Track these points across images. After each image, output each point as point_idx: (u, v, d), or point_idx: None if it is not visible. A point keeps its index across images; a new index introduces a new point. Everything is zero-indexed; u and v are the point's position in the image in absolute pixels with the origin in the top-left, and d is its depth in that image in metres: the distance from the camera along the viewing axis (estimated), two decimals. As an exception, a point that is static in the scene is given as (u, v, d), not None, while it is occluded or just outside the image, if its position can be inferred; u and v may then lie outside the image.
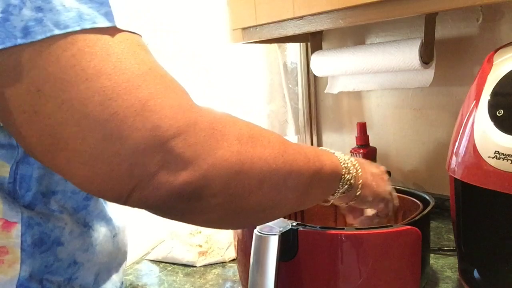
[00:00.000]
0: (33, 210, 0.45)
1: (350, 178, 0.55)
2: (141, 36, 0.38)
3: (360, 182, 0.57)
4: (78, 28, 0.34)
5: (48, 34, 0.33)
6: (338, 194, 0.55)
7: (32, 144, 0.35)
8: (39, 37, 0.33)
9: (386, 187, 0.63)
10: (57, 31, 0.33)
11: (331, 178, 0.53)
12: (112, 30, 0.35)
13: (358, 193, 0.57)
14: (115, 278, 0.55)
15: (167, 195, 0.35)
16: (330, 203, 0.58)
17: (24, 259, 0.44)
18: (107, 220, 0.52)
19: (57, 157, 0.35)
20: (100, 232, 0.51)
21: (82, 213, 0.49)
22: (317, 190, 0.51)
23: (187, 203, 0.36)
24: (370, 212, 0.65)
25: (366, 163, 0.62)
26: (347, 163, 0.56)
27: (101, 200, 0.51)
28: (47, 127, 0.34)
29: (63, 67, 0.33)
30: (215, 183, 0.37)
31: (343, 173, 0.55)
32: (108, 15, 0.35)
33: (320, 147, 0.58)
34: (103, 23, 0.35)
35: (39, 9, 0.33)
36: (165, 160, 0.34)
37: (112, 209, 0.54)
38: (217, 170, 0.37)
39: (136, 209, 0.37)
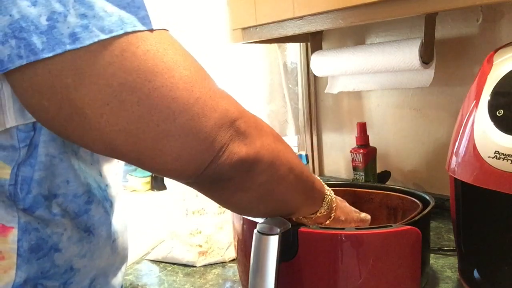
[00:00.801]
0: (33, 215, 0.44)
1: (329, 199, 0.60)
2: (169, 30, 0.41)
3: (334, 205, 0.61)
4: (121, 32, 0.36)
5: (96, 39, 0.36)
6: (319, 213, 0.59)
7: (113, 133, 0.38)
8: (87, 42, 0.35)
9: (352, 212, 0.66)
10: (103, 36, 0.36)
11: (319, 195, 0.59)
12: (153, 30, 0.39)
13: (332, 214, 0.61)
14: (113, 282, 0.55)
15: (235, 163, 0.42)
16: (308, 220, 0.60)
17: (20, 264, 0.43)
18: (108, 225, 0.52)
19: (144, 141, 0.38)
20: (100, 237, 0.51)
21: (83, 218, 0.48)
22: (312, 200, 0.58)
23: (243, 176, 0.44)
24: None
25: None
26: (326, 187, 0.61)
27: (103, 203, 0.51)
28: (135, 113, 0.37)
29: (142, 61, 0.37)
30: (264, 161, 0.45)
31: (326, 193, 0.59)
32: (145, 18, 0.38)
33: None
34: (141, 26, 0.38)
35: (83, 16, 0.36)
36: (234, 135, 0.42)
37: (113, 212, 0.53)
38: (265, 150, 0.45)
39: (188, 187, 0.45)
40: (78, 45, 0.35)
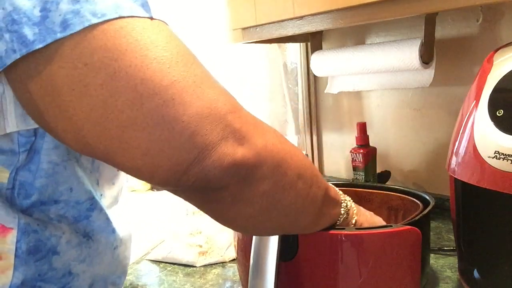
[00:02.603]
0: (31, 216, 0.44)
1: (348, 204, 0.54)
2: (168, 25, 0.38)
3: (355, 209, 0.56)
4: (116, 16, 0.34)
5: (87, 24, 0.33)
6: (341, 220, 0.54)
7: (80, 122, 0.34)
8: (78, 28, 0.33)
9: (375, 217, 0.62)
10: (94, 20, 0.33)
11: (335, 200, 0.53)
12: (150, 19, 0.35)
13: (354, 219, 0.56)
14: None
15: (228, 167, 0.35)
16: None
17: (17, 266, 0.43)
18: (110, 231, 0.51)
19: (109, 130, 0.34)
20: (100, 243, 0.50)
21: (82, 223, 0.47)
22: (327, 208, 0.51)
23: (239, 184, 0.37)
24: None
25: None
26: (341, 193, 0.55)
27: (106, 210, 0.50)
28: (98, 98, 0.33)
29: (111, 38, 0.33)
30: (267, 165, 0.37)
31: (342, 198, 0.54)
32: (145, 6, 0.36)
33: None
34: (140, 13, 0.35)
35: (75, 1, 0.33)
36: (225, 132, 0.35)
37: (117, 219, 0.52)
38: (268, 152, 0.38)
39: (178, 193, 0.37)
40: (68, 32, 0.33)
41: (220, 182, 0.36)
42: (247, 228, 0.45)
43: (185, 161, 0.34)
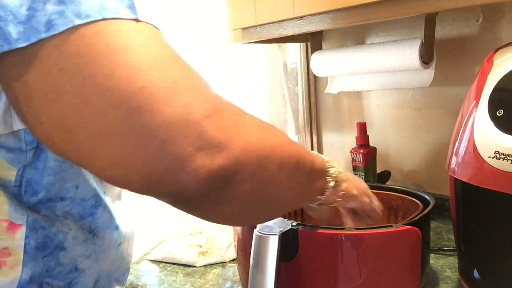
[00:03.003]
0: (39, 213, 0.44)
1: (334, 172, 0.54)
2: (160, 30, 0.37)
3: (343, 176, 0.56)
4: (99, 17, 0.33)
5: (70, 25, 0.33)
6: (329, 190, 0.54)
7: (51, 129, 0.34)
8: (62, 28, 0.32)
9: (363, 182, 0.62)
10: (78, 21, 0.33)
11: (321, 172, 0.53)
12: (135, 21, 0.35)
13: (344, 186, 0.56)
14: (117, 286, 0.55)
15: (204, 179, 0.33)
16: (318, 202, 0.55)
17: (26, 262, 0.44)
18: (114, 228, 0.52)
19: (77, 137, 0.33)
20: (105, 239, 0.51)
21: (87, 220, 0.48)
22: (313, 184, 0.51)
23: (220, 191, 0.35)
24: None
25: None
26: (327, 160, 0.55)
27: (109, 208, 0.51)
28: (69, 104, 0.32)
29: (85, 44, 0.32)
30: (246, 168, 0.36)
31: (328, 166, 0.54)
32: (131, 7, 0.35)
33: None
34: (126, 14, 0.34)
35: (61, 2, 0.33)
36: (200, 140, 0.33)
37: (120, 216, 0.53)
38: (248, 154, 0.36)
39: (158, 201, 0.36)
40: (52, 32, 0.32)
41: (197, 193, 0.34)
42: (234, 222, 0.47)
43: (156, 171, 0.33)
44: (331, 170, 0.53)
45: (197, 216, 0.40)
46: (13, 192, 0.43)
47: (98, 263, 0.50)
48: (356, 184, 0.59)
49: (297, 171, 0.45)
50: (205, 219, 0.41)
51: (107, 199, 0.51)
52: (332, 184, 0.53)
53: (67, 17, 0.33)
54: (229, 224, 0.53)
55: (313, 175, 0.50)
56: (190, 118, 0.33)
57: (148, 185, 0.34)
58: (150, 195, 0.36)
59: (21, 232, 0.43)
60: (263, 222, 0.52)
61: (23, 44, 0.32)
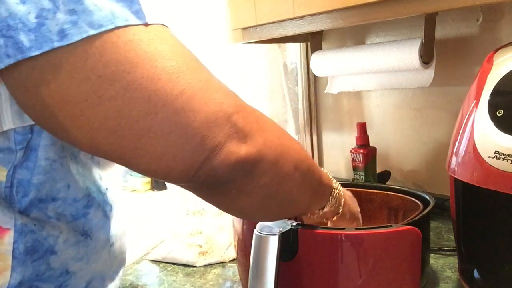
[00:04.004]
0: (28, 216, 0.44)
1: (337, 194, 0.58)
2: (168, 27, 0.39)
3: (343, 200, 0.59)
4: (111, 27, 0.35)
5: (84, 35, 0.34)
6: (327, 208, 0.57)
7: (94, 131, 0.36)
8: (76, 38, 0.34)
9: (357, 207, 0.66)
10: (92, 31, 0.34)
11: (327, 188, 0.56)
12: (145, 25, 0.37)
13: (340, 209, 0.59)
14: (110, 286, 0.54)
15: (234, 164, 0.38)
16: (316, 216, 0.58)
17: (15, 267, 0.43)
18: (107, 229, 0.51)
19: (124, 138, 0.36)
20: (98, 241, 0.50)
21: (81, 221, 0.48)
22: (319, 196, 0.55)
23: (244, 178, 0.40)
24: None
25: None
26: (332, 179, 0.59)
27: (103, 207, 0.50)
28: (113, 108, 0.35)
29: (122, 51, 0.35)
30: (267, 160, 0.41)
31: (334, 187, 0.57)
32: (139, 12, 0.36)
33: None
34: (135, 20, 0.36)
35: (72, 11, 0.34)
36: (231, 132, 0.37)
37: (113, 216, 0.52)
38: (268, 148, 0.41)
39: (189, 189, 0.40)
40: (66, 41, 0.34)
41: (227, 177, 0.39)
42: (249, 215, 0.49)
43: (197, 162, 0.37)
44: (334, 193, 0.57)
45: (218, 205, 0.45)
46: (5, 193, 0.42)
47: (89, 264, 0.49)
48: (351, 209, 0.62)
49: (308, 176, 0.49)
50: (224, 210, 0.46)
51: (111, 195, 0.51)
52: (332, 203, 0.57)
53: (81, 27, 0.34)
54: (242, 217, 0.57)
55: (320, 188, 0.54)
56: (223, 115, 0.37)
57: (187, 175, 0.37)
58: (185, 183, 0.39)
59: (8, 237, 0.42)
60: (272, 220, 0.53)
61: (36, 53, 0.34)
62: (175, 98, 0.35)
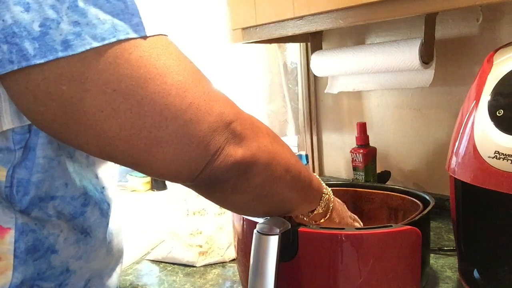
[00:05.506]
0: (29, 215, 0.44)
1: (327, 199, 0.60)
2: (167, 35, 0.41)
3: (332, 205, 0.62)
4: (114, 40, 0.36)
5: (88, 47, 0.36)
6: (316, 210, 0.60)
7: (108, 139, 0.38)
8: (79, 49, 0.36)
9: (347, 213, 0.67)
10: (95, 44, 0.36)
11: (317, 193, 0.59)
12: (144, 38, 0.38)
13: (328, 214, 0.62)
14: (108, 283, 0.55)
15: (231, 165, 0.42)
16: (306, 218, 0.61)
17: (16, 266, 0.43)
18: (104, 226, 0.52)
19: (136, 146, 0.39)
20: (97, 239, 0.51)
21: (79, 220, 0.48)
22: (309, 199, 0.58)
23: (239, 178, 0.44)
24: None
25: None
26: (323, 183, 0.61)
27: (99, 205, 0.51)
28: (128, 120, 0.37)
29: (135, 67, 0.37)
30: (260, 163, 0.45)
31: (324, 192, 0.60)
32: (139, 25, 0.38)
33: None
34: (135, 33, 0.38)
35: (76, 23, 0.36)
36: (230, 137, 0.42)
37: (110, 214, 0.53)
38: (261, 152, 0.45)
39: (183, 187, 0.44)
40: (70, 52, 0.35)
41: (224, 177, 0.43)
42: (242, 210, 0.53)
43: (201, 165, 0.41)
44: (324, 197, 0.60)
45: (215, 201, 0.48)
46: (5, 193, 0.43)
47: (89, 262, 0.50)
48: (340, 214, 0.64)
49: (299, 178, 0.53)
50: (220, 205, 0.50)
51: (108, 193, 0.52)
52: (321, 207, 0.60)
53: (85, 39, 0.36)
54: (238, 213, 0.61)
55: (310, 191, 0.57)
56: (224, 123, 0.41)
57: (192, 176, 0.41)
58: (190, 183, 0.43)
59: (10, 236, 0.43)
60: (263, 217, 0.54)
61: (41, 61, 0.35)
62: (183, 112, 0.39)
